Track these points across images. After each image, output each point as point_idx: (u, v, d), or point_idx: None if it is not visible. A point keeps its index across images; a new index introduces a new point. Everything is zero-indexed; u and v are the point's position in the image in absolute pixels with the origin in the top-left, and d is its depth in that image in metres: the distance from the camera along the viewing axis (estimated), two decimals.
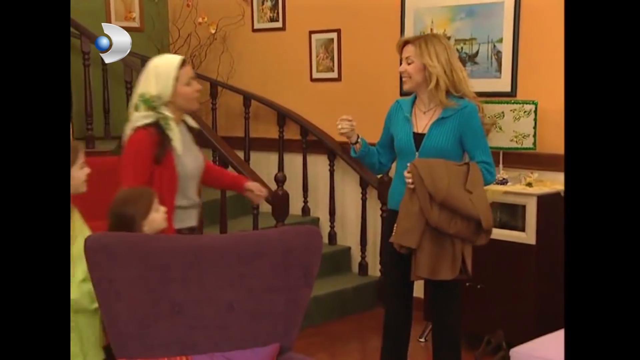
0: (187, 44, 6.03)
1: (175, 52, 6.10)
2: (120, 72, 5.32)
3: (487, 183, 3.26)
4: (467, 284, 4.17)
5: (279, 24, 5.72)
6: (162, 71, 3.12)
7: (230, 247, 2.67)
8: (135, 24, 5.90)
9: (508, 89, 4.52)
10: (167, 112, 3.11)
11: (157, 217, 2.81)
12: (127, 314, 2.54)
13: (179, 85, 3.13)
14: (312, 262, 2.68)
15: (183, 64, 3.15)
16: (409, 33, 4.94)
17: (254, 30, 5.89)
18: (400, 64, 3.34)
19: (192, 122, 3.30)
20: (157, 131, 3.10)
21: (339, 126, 3.31)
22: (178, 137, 3.13)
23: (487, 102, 4.25)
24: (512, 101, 4.25)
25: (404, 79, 3.32)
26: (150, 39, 5.99)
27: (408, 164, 3.18)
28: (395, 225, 3.19)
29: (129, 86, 5.08)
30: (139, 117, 3.10)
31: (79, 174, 2.76)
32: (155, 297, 2.58)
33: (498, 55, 4.56)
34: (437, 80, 3.19)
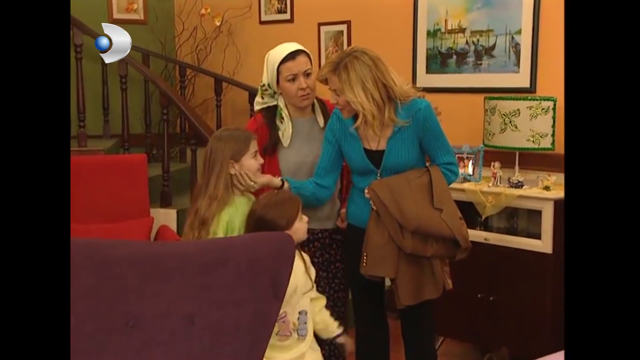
0: (192, 37, 5.81)
1: (180, 46, 5.90)
2: None
3: (450, 182, 3.01)
4: (479, 296, 3.90)
5: (286, 16, 5.48)
6: (270, 61, 3.07)
7: (192, 255, 2.42)
8: (138, 16, 5.68)
9: (527, 84, 4.20)
10: (280, 103, 3.08)
11: (300, 227, 2.74)
12: (75, 328, 2.29)
13: (281, 80, 3.05)
14: (282, 272, 2.40)
15: (291, 56, 3.04)
16: (422, 25, 4.66)
17: (261, 23, 5.66)
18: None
19: (320, 120, 3.18)
20: (267, 121, 3.09)
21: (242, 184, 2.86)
22: (288, 129, 3.08)
23: (501, 99, 3.93)
24: (529, 97, 3.90)
25: (340, 110, 2.95)
26: (154, 32, 5.78)
27: (365, 189, 2.92)
28: (365, 253, 2.90)
29: (124, 81, 4.84)
30: (256, 103, 3.14)
31: (250, 162, 2.79)
32: (108, 310, 2.35)
33: (516, 48, 4.23)
34: (365, 115, 2.83)
